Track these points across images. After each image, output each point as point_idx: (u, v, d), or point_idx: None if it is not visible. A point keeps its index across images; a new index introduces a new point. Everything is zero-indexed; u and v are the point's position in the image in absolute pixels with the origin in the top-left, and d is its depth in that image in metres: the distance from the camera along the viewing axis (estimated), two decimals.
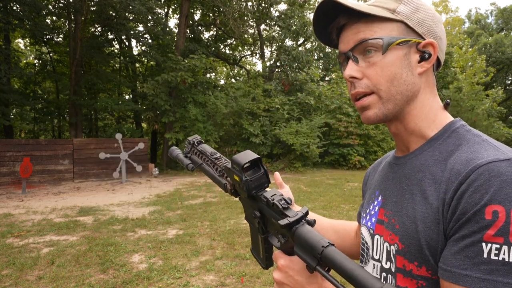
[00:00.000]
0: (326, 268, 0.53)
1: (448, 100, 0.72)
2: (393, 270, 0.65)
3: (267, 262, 0.76)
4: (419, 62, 0.66)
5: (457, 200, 0.55)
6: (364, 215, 0.81)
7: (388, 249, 0.67)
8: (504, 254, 0.49)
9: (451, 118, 0.70)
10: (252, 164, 0.68)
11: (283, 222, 0.57)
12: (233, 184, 0.76)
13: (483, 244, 0.50)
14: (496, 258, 0.49)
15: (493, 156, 0.55)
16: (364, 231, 0.78)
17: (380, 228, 0.71)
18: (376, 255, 0.72)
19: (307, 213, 0.59)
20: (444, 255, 0.55)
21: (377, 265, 0.71)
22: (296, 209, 0.84)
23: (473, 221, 0.52)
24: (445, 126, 0.67)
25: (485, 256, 0.50)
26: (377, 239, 0.72)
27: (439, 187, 0.59)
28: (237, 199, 0.80)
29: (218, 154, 0.87)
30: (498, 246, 0.49)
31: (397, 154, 0.76)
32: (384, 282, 0.45)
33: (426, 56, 0.66)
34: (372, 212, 0.76)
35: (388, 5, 0.67)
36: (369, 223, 0.76)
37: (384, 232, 0.69)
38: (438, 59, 0.70)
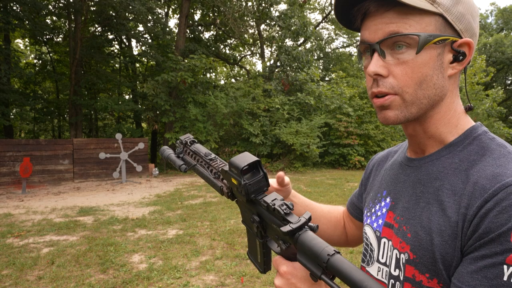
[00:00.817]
0: (331, 276, 0.51)
1: (471, 104, 0.66)
2: (401, 278, 0.63)
3: (265, 266, 0.72)
4: (451, 63, 0.60)
5: (480, 218, 0.52)
6: (368, 214, 0.78)
7: (398, 256, 0.64)
8: None
9: (472, 123, 0.65)
10: (251, 167, 0.64)
11: (286, 228, 0.55)
12: (229, 187, 0.72)
13: (505, 266, 0.48)
14: None
15: None
16: (368, 231, 0.75)
17: (388, 232, 0.68)
18: (382, 258, 0.69)
19: (309, 219, 0.56)
20: (460, 272, 0.53)
21: (383, 269, 0.69)
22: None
23: (496, 242, 0.49)
24: (466, 131, 0.63)
25: (505, 279, 0.48)
26: (384, 242, 0.69)
27: (459, 200, 0.56)
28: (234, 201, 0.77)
29: (213, 155, 0.82)
30: None
31: (409, 155, 0.71)
32: None
33: (460, 57, 0.59)
34: (379, 213, 0.73)
35: None
36: (374, 224, 0.73)
37: (393, 238, 0.66)
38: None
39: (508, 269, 0.48)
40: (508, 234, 0.48)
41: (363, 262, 0.77)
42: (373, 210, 0.76)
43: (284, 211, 0.57)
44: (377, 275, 0.71)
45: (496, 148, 0.58)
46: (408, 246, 0.61)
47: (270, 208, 0.60)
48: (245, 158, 0.64)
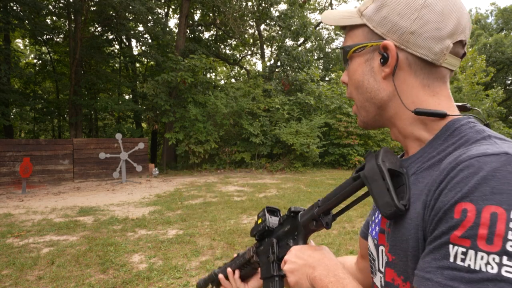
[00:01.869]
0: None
1: (419, 109, 0.61)
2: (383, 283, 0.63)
3: None
4: (382, 65, 0.62)
5: (434, 200, 0.50)
6: (370, 223, 0.76)
7: (385, 261, 0.63)
8: (470, 260, 0.43)
9: (456, 117, 0.61)
10: (273, 212, 0.90)
11: (294, 209, 0.78)
12: (255, 246, 0.91)
13: (450, 246, 0.45)
14: (462, 263, 0.44)
15: (483, 150, 0.49)
16: (370, 241, 0.74)
17: (382, 238, 0.66)
18: (382, 267, 0.66)
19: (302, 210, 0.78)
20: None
21: (382, 278, 0.67)
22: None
23: (444, 220, 0.47)
24: (448, 123, 0.60)
25: (451, 260, 0.45)
26: (382, 250, 0.66)
27: (427, 191, 0.54)
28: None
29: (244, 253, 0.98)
30: (464, 250, 0.44)
31: (404, 157, 0.70)
32: (357, 175, 0.60)
33: (382, 60, 0.61)
34: (376, 221, 0.71)
35: (362, 7, 0.65)
36: (373, 233, 0.71)
37: (385, 243, 0.64)
38: (418, 57, 0.60)
39: (453, 248, 0.45)
40: (451, 210, 0.46)
41: (371, 274, 0.75)
42: (373, 218, 0.75)
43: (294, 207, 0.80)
44: (379, 285, 0.69)
45: (473, 136, 0.56)
46: (387, 247, 0.60)
47: (283, 219, 0.82)
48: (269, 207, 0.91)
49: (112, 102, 15.74)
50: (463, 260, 0.44)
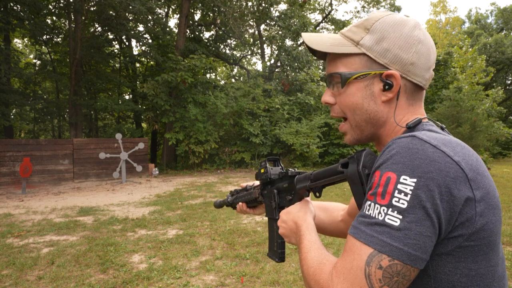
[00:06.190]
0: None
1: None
2: None
3: (280, 251, 0.99)
4: (384, 90, 0.69)
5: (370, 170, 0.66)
6: None
7: None
8: (371, 210, 0.59)
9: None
10: (273, 161, 1.06)
11: (291, 173, 0.92)
12: (260, 188, 1.08)
13: (367, 201, 0.61)
14: (367, 213, 0.59)
15: (401, 135, 0.62)
16: None
17: None
18: None
19: (302, 173, 0.90)
20: None
21: None
22: None
23: (368, 184, 0.63)
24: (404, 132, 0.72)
25: (364, 210, 0.61)
26: None
27: None
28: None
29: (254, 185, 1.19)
30: (370, 203, 0.60)
31: None
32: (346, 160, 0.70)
33: (387, 87, 0.68)
34: None
35: (355, 36, 0.71)
36: None
37: None
38: (414, 83, 0.70)
39: (366, 202, 0.61)
40: (371, 176, 0.62)
41: None
42: None
43: (291, 171, 0.93)
44: None
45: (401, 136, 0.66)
46: None
47: (282, 174, 0.97)
48: (270, 155, 1.04)
49: (112, 102, 15.72)
50: (368, 210, 0.60)
